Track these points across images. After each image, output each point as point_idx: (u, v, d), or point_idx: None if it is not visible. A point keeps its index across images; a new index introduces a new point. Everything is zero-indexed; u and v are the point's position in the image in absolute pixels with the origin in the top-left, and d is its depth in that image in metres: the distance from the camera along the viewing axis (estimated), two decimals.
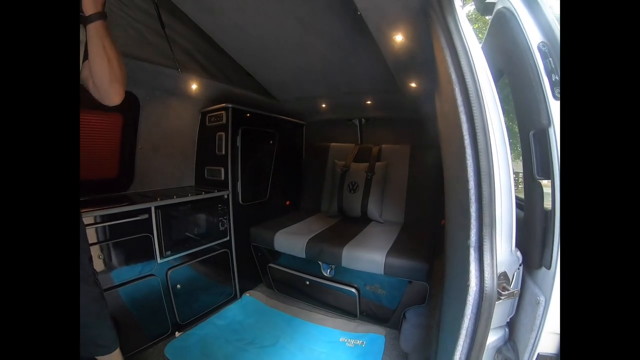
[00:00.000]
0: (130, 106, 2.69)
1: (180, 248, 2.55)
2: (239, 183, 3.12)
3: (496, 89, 1.01)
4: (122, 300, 2.12)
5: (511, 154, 0.97)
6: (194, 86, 2.91)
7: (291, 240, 2.83)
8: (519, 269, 0.97)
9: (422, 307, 2.37)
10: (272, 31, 2.18)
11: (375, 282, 2.51)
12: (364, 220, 3.36)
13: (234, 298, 3.08)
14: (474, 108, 0.97)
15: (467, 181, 0.98)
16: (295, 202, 4.11)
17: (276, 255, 3.05)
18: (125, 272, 2.16)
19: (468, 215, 0.97)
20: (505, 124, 0.98)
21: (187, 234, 2.63)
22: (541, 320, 0.90)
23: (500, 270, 0.93)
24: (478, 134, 0.95)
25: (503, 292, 0.92)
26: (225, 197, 3.00)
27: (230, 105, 3.01)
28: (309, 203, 4.02)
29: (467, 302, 0.95)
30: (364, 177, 3.43)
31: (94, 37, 1.22)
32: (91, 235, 1.93)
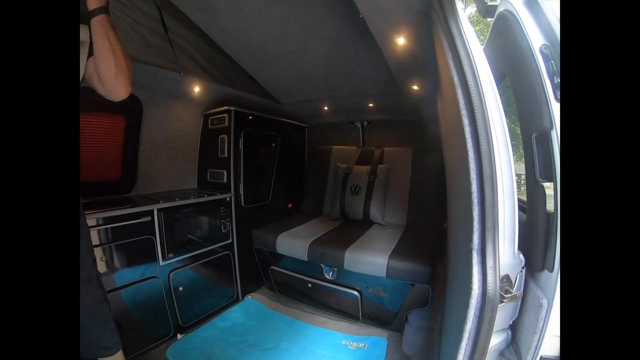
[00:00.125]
0: (133, 108, 2.70)
1: (182, 250, 2.55)
2: (242, 185, 3.12)
3: (498, 91, 1.01)
4: (124, 302, 2.12)
5: (513, 156, 0.97)
6: (197, 89, 2.92)
7: (293, 243, 2.83)
8: (521, 271, 0.97)
9: (424, 310, 2.36)
10: (274, 34, 2.19)
11: (377, 284, 2.51)
12: (366, 223, 3.35)
13: (236, 300, 3.08)
14: (476, 111, 0.97)
15: (469, 184, 0.97)
16: (298, 205, 4.10)
17: (278, 257, 3.05)
18: (127, 274, 2.17)
19: (470, 218, 0.97)
20: (508, 126, 0.98)
21: (189, 236, 2.63)
22: (544, 323, 0.89)
23: (502, 273, 0.93)
24: (480, 137, 0.95)
25: (506, 295, 0.92)
26: (228, 199, 3.00)
27: (232, 108, 3.02)
28: (311, 206, 4.02)
29: (470, 305, 0.95)
30: (366, 180, 3.43)
31: (98, 30, 1.22)
32: (94, 237, 1.94)
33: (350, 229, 3.14)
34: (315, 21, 2.01)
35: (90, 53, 1.27)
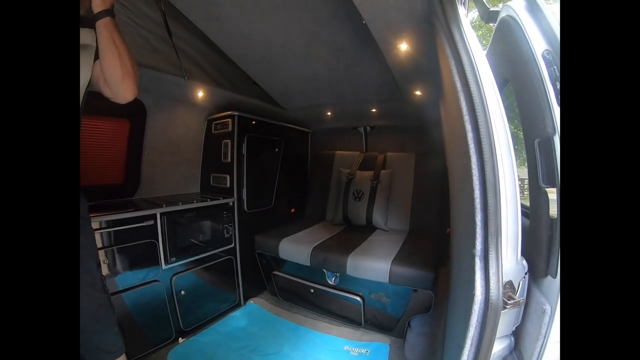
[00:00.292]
0: (137, 113, 2.72)
1: (185, 254, 2.56)
2: (245, 190, 3.13)
3: (501, 97, 1.01)
4: (126, 305, 2.12)
5: (516, 160, 0.97)
6: (201, 94, 2.93)
7: (296, 248, 2.83)
8: (524, 277, 0.97)
9: (427, 316, 2.35)
10: (277, 40, 2.20)
11: (380, 290, 2.50)
12: (369, 228, 3.35)
13: (238, 305, 3.07)
14: (479, 117, 0.97)
15: (472, 190, 0.97)
16: (300, 210, 4.11)
17: (281, 263, 3.05)
18: (129, 278, 2.17)
19: (473, 224, 0.97)
20: (511, 132, 0.98)
21: (192, 240, 2.64)
22: (547, 329, 0.89)
23: (505, 279, 0.93)
24: (483, 143, 0.95)
25: (509, 301, 0.91)
26: (231, 204, 3.01)
27: (236, 113, 3.03)
28: (314, 211, 4.02)
29: (473, 311, 0.94)
30: (369, 185, 3.43)
31: (104, 33, 1.23)
32: (97, 240, 1.94)
33: (353, 235, 3.14)
34: (319, 27, 2.03)
35: (97, 56, 1.28)
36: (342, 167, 3.81)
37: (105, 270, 2.01)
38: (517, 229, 0.94)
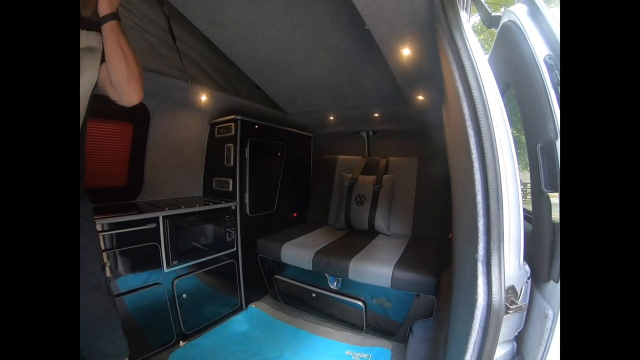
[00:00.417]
0: (140, 116, 2.74)
1: (187, 258, 2.56)
2: (247, 194, 3.13)
3: (503, 102, 1.01)
4: (128, 308, 2.12)
5: (518, 164, 0.97)
6: (204, 98, 2.95)
7: (298, 253, 2.83)
8: (527, 282, 0.97)
9: (429, 321, 2.35)
10: (280, 45, 2.22)
11: (382, 295, 2.50)
12: (371, 233, 3.34)
13: (239, 309, 3.07)
14: (481, 122, 0.97)
15: (474, 195, 0.97)
16: (303, 214, 4.11)
17: (283, 267, 3.04)
18: (131, 280, 2.17)
19: (476, 229, 0.96)
20: (513, 137, 0.98)
21: (194, 244, 2.64)
22: (549, 334, 0.89)
23: (508, 284, 0.93)
24: (485, 148, 0.95)
25: (511, 306, 0.91)
26: (233, 208, 3.01)
27: (239, 117, 3.04)
28: (316, 215, 4.02)
29: (475, 317, 0.94)
30: (371, 190, 3.43)
31: (110, 36, 1.25)
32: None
33: (355, 239, 3.14)
34: (322, 32, 2.04)
35: (103, 60, 1.29)
36: (344, 172, 3.82)
37: (107, 273, 2.01)
38: (520, 234, 0.94)
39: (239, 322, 2.87)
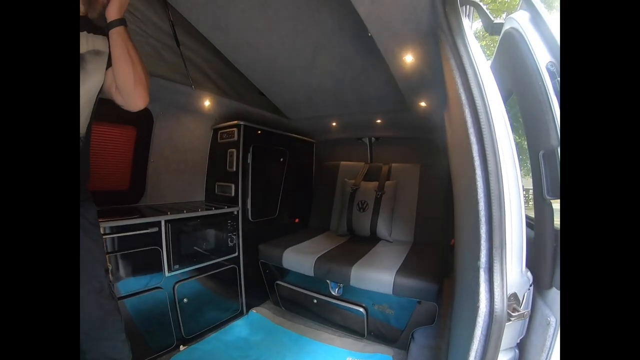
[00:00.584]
0: (144, 120, 2.76)
1: (188, 262, 2.56)
2: (249, 200, 3.13)
3: (505, 108, 1.02)
4: (128, 311, 2.12)
5: (520, 170, 0.97)
6: (207, 103, 2.96)
7: (300, 258, 2.82)
8: (529, 289, 0.96)
9: (430, 328, 2.34)
10: (284, 51, 2.23)
11: (383, 301, 2.49)
12: (373, 239, 3.34)
13: (240, 314, 3.06)
14: (483, 130, 0.98)
15: (477, 203, 0.98)
16: (305, 220, 4.11)
17: (284, 272, 3.04)
18: (132, 284, 2.17)
19: (478, 237, 0.97)
20: (515, 144, 0.99)
21: (195, 248, 2.64)
22: (552, 341, 0.88)
23: (510, 291, 0.93)
24: (488, 156, 0.96)
25: (513, 314, 0.91)
26: (235, 213, 3.01)
27: (242, 123, 3.05)
28: (318, 221, 4.02)
29: (477, 324, 0.94)
30: (373, 196, 3.43)
31: (117, 41, 1.26)
32: None
33: (357, 245, 3.13)
34: (325, 38, 2.05)
35: (109, 64, 1.30)
36: (346, 178, 3.82)
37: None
38: (522, 241, 0.94)
39: (239, 328, 2.86)
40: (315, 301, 2.83)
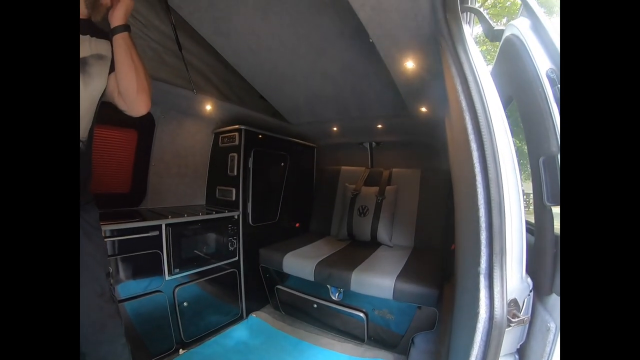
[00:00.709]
0: (145, 124, 2.77)
1: (188, 266, 2.56)
2: (250, 204, 3.14)
3: (506, 114, 1.02)
4: (128, 314, 2.12)
5: (521, 175, 0.97)
6: (208, 107, 2.97)
7: (300, 263, 2.82)
8: (529, 295, 0.96)
9: (431, 333, 2.33)
10: (285, 56, 2.24)
11: (384, 306, 2.48)
12: (374, 244, 3.33)
13: (240, 318, 3.05)
14: (484, 136, 0.98)
15: (477, 209, 0.98)
16: (305, 225, 4.10)
17: (284, 277, 3.03)
18: (132, 287, 2.17)
19: (478, 243, 0.97)
20: (516, 150, 0.99)
21: (196, 252, 2.64)
22: (552, 347, 0.88)
23: (510, 297, 0.93)
24: (488, 163, 0.96)
25: (513, 319, 0.91)
26: (236, 217, 3.02)
27: (243, 127, 3.07)
28: (319, 226, 4.02)
29: (477, 330, 0.94)
30: (374, 201, 3.43)
31: (121, 47, 1.27)
32: None
33: (358, 250, 3.13)
34: (326, 44, 2.06)
35: (112, 69, 1.31)
36: (347, 183, 3.82)
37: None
38: (522, 247, 0.94)
39: (239, 332, 2.85)
40: (315, 306, 2.83)
